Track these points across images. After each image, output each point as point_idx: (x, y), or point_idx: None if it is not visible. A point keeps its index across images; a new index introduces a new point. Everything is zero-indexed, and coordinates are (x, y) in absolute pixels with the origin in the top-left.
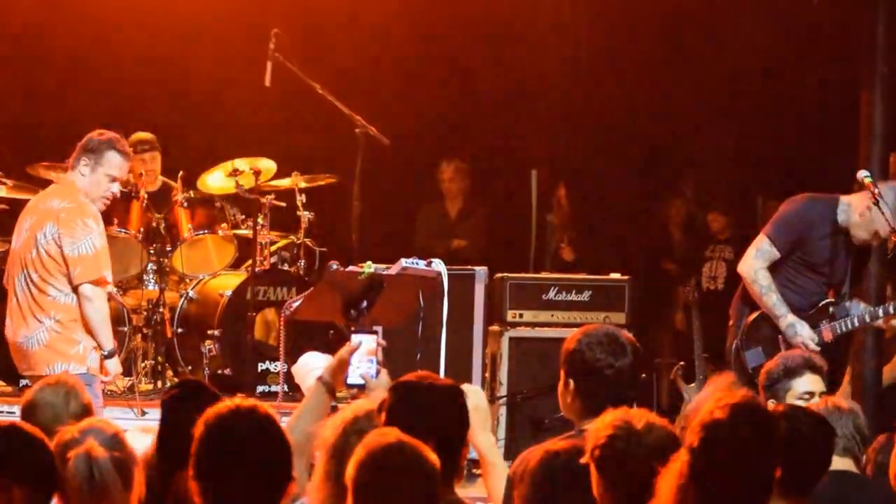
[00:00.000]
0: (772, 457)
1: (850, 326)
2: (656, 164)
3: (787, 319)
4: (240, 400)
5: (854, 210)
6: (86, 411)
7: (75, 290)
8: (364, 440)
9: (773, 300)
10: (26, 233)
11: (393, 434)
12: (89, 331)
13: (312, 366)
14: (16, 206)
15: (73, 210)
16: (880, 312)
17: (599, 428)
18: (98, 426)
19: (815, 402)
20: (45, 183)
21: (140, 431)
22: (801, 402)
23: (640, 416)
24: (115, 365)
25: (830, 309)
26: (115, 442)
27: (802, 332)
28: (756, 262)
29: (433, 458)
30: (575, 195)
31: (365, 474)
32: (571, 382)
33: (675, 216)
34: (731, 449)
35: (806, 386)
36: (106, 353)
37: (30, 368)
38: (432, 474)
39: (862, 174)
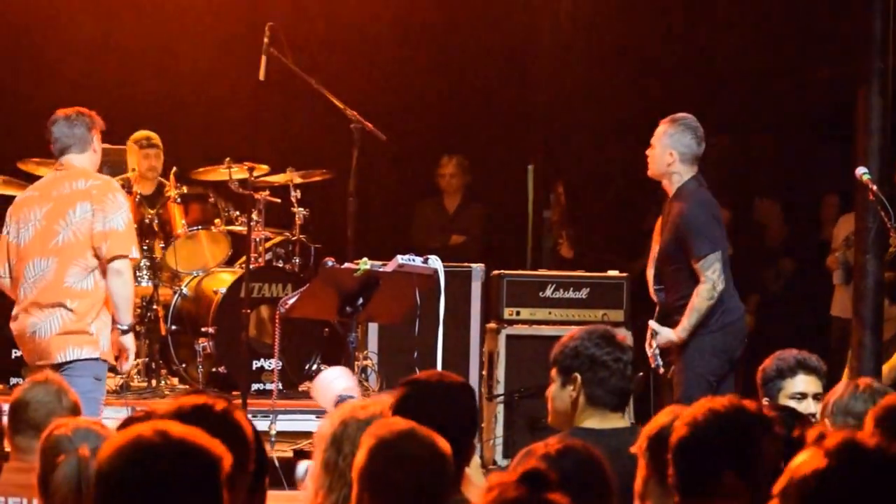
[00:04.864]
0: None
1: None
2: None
3: None
4: None
5: None
6: (75, 409)
7: (102, 266)
8: (373, 429)
9: None
10: (39, 223)
11: (403, 422)
12: (108, 308)
13: (331, 378)
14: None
15: (102, 186)
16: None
17: (653, 420)
18: (93, 429)
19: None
20: (34, 179)
21: None
22: (793, 403)
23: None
24: (131, 341)
25: None
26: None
27: None
28: None
29: (445, 445)
30: (572, 191)
31: (378, 462)
32: (578, 377)
33: None
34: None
35: (798, 386)
36: (125, 327)
37: (42, 357)
38: (446, 461)
39: (860, 171)
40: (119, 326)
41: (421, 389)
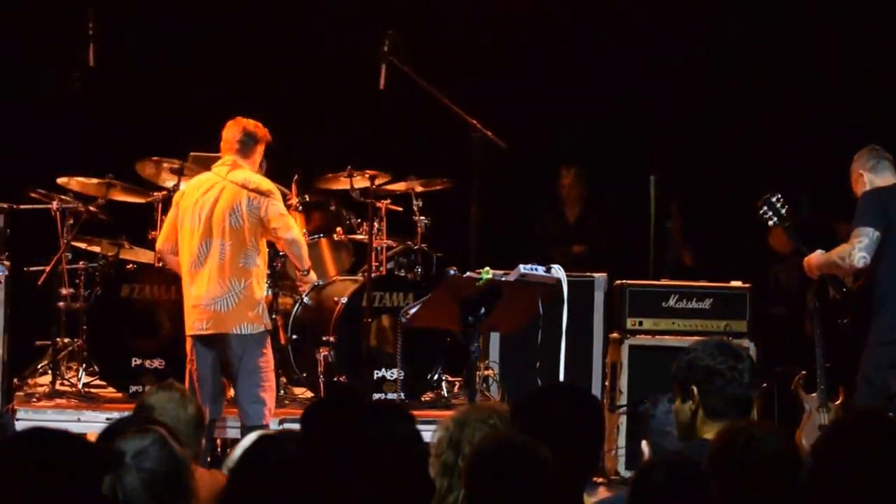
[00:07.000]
0: None
1: None
2: (775, 170)
3: None
4: None
5: None
6: (199, 416)
7: (272, 243)
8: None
9: None
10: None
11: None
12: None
13: None
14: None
15: (262, 183)
16: None
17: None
18: (137, 436)
19: None
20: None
21: None
22: None
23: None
24: (313, 276)
25: None
26: (154, 450)
27: None
28: None
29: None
30: (693, 201)
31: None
32: (694, 389)
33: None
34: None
35: None
36: (305, 271)
37: (215, 328)
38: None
39: None
40: (301, 272)
41: (538, 399)
